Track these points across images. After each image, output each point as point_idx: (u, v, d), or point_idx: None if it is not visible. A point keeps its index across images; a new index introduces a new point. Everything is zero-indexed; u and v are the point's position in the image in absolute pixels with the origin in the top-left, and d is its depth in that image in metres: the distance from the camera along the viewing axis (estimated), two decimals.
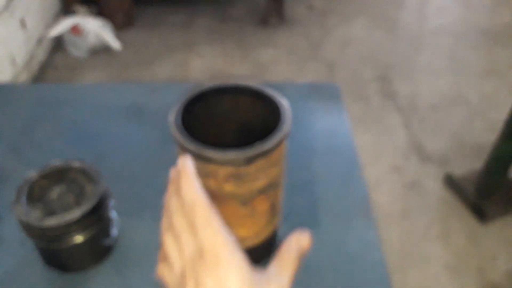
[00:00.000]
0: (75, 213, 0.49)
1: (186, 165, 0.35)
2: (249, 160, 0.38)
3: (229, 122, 0.48)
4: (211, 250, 0.31)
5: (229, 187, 0.40)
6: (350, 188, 0.66)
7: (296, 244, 0.35)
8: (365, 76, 2.26)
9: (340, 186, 0.66)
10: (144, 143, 0.75)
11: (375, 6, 2.91)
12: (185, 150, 0.38)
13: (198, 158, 0.38)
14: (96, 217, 0.51)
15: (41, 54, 2.32)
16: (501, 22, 2.70)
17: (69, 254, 0.52)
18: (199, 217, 0.32)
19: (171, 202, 0.35)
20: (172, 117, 0.41)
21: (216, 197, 0.39)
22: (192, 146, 0.38)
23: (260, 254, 0.53)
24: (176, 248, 0.33)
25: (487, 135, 1.84)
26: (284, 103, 0.43)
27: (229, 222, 0.41)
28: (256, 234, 0.47)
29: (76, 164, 0.55)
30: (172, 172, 0.37)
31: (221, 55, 2.42)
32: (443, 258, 1.41)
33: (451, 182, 1.60)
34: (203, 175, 0.38)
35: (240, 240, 0.43)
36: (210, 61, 2.37)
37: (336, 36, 2.59)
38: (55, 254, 0.52)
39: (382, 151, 1.80)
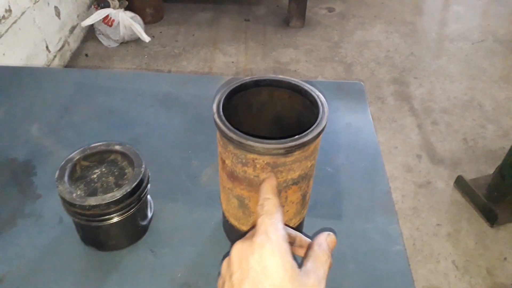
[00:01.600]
0: (115, 194, 0.49)
1: (270, 174, 0.41)
2: (288, 151, 0.39)
3: (265, 114, 0.50)
4: (263, 233, 0.34)
5: (265, 176, 0.41)
6: (372, 183, 0.67)
7: (325, 242, 0.38)
8: (381, 78, 2.33)
9: (363, 181, 0.68)
10: (176, 131, 0.76)
11: (394, 11, 2.96)
12: (226, 138, 0.40)
13: (239, 146, 0.39)
14: (135, 198, 0.51)
15: (73, 42, 2.43)
16: None
17: (106, 233, 0.53)
18: (266, 208, 0.37)
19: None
20: (215, 106, 0.42)
21: (251, 185, 0.42)
22: (234, 135, 0.39)
23: None
24: None
25: (499, 141, 1.91)
26: (321, 98, 0.44)
27: None
28: (285, 223, 0.49)
29: (116, 146, 0.55)
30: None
31: (244, 53, 2.51)
32: (452, 257, 1.46)
33: (462, 185, 1.66)
34: (242, 163, 0.41)
35: None
36: (233, 58, 2.45)
37: (355, 38, 2.66)
38: (93, 232, 0.53)
39: (395, 150, 1.88)
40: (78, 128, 0.76)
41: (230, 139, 0.40)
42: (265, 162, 0.40)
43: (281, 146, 0.39)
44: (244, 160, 0.41)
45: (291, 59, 2.45)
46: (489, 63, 2.44)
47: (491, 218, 1.54)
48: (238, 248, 0.35)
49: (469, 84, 2.28)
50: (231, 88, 0.45)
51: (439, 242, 1.51)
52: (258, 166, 0.41)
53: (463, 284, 1.39)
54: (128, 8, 2.49)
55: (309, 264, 0.36)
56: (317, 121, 0.41)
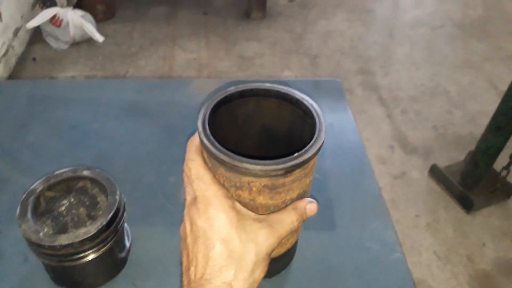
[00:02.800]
0: (90, 229, 0.44)
1: (196, 135, 0.41)
2: (288, 171, 0.36)
3: (252, 125, 0.46)
4: (203, 197, 0.36)
5: (262, 199, 0.38)
6: (363, 187, 0.65)
7: (303, 208, 0.39)
8: (347, 69, 2.30)
9: (353, 185, 0.65)
10: (147, 144, 0.70)
11: None
12: (217, 161, 0.36)
13: (233, 169, 0.35)
14: (112, 231, 0.47)
15: (18, 46, 2.25)
16: (475, 15, 2.79)
17: (82, 272, 0.48)
18: (194, 171, 0.38)
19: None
20: (200, 124, 0.38)
21: (247, 209, 0.38)
22: (226, 157, 0.35)
23: (282, 263, 0.52)
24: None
25: (467, 127, 1.93)
26: (316, 107, 0.40)
27: None
28: (282, 244, 0.45)
29: (85, 172, 0.50)
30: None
31: (205, 48, 2.41)
32: (433, 247, 1.46)
33: (436, 173, 1.67)
34: (236, 186, 0.37)
35: None
36: (194, 55, 2.35)
37: (318, 28, 2.62)
38: (66, 272, 0.48)
39: (368, 143, 1.86)
40: (35, 149, 0.68)
41: (221, 162, 0.35)
42: (263, 184, 0.36)
43: (281, 166, 0.35)
44: (238, 184, 0.37)
45: (255, 53, 2.38)
46: (450, 48, 2.47)
47: (467, 205, 1.55)
48: (187, 216, 0.38)
49: (433, 70, 2.30)
50: (214, 101, 0.40)
51: (419, 233, 1.51)
52: (254, 189, 0.37)
53: (446, 274, 1.39)
54: (77, 6, 2.33)
55: (271, 216, 0.38)
56: (316, 135, 0.38)
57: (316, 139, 0.37)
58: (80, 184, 0.50)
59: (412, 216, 1.55)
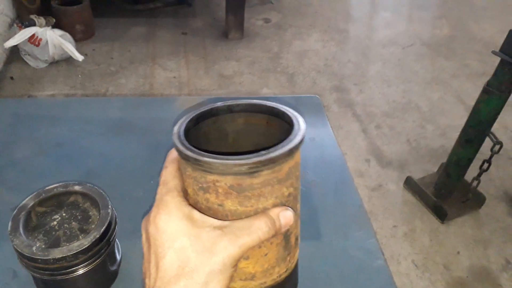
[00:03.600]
0: (83, 243, 0.45)
1: (172, 150, 0.40)
2: (253, 170, 0.33)
3: (242, 144, 0.44)
4: (159, 201, 0.35)
5: (231, 204, 0.35)
6: (344, 198, 0.68)
7: (275, 214, 0.35)
8: (323, 86, 2.37)
9: (335, 196, 0.68)
10: (134, 159, 0.71)
11: (328, 19, 3.05)
12: (183, 157, 0.35)
13: (196, 166, 0.35)
14: (105, 244, 0.47)
15: None
16: (441, 35, 2.93)
17: (74, 285, 0.48)
18: (162, 177, 0.37)
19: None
20: (176, 127, 0.37)
21: (217, 217, 0.36)
22: (190, 152, 0.34)
23: None
24: None
25: (439, 140, 2.01)
26: (298, 117, 0.39)
27: None
28: (266, 271, 0.39)
29: (76, 187, 0.50)
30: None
31: (185, 67, 2.44)
32: (411, 256, 1.51)
33: (411, 185, 1.73)
34: (203, 188, 0.36)
35: (248, 279, 0.39)
36: (174, 73, 2.38)
37: (294, 48, 2.70)
38: (58, 285, 0.48)
39: (345, 157, 1.91)
40: (22, 167, 0.68)
41: (186, 158, 0.35)
42: (228, 184, 0.34)
43: (243, 162, 0.33)
44: (204, 185, 0.35)
45: (234, 72, 2.43)
46: (420, 66, 2.58)
47: (441, 215, 1.61)
48: (143, 221, 0.36)
49: (405, 87, 2.39)
50: (198, 112, 0.40)
51: (397, 243, 1.55)
52: (220, 190, 0.35)
53: (424, 282, 1.44)
54: (56, 26, 2.33)
55: (237, 222, 0.34)
56: (290, 137, 0.35)
57: (288, 140, 0.35)
58: (72, 198, 0.51)
59: (390, 227, 1.60)
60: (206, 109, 0.40)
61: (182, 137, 0.36)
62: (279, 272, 0.40)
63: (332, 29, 2.93)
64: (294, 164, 0.37)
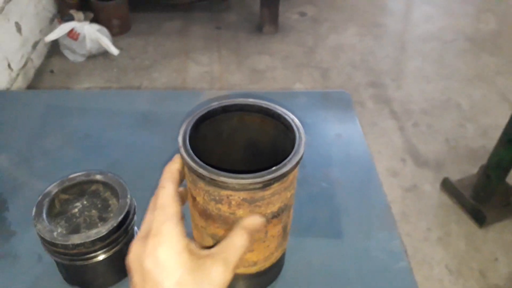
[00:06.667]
0: (101, 230, 0.46)
1: (176, 157, 0.39)
2: (266, 185, 0.36)
3: (236, 140, 0.46)
4: (156, 230, 0.33)
5: (242, 213, 0.38)
6: (370, 197, 0.66)
7: (249, 225, 0.36)
8: (358, 82, 2.31)
9: (360, 195, 0.66)
10: (158, 152, 0.71)
11: (365, 13, 2.97)
12: (196, 175, 0.36)
13: (211, 183, 0.36)
14: (122, 232, 0.48)
15: (36, 59, 2.31)
16: (486, 29, 2.79)
17: (92, 271, 0.50)
18: (159, 200, 0.35)
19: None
20: (180, 139, 0.38)
21: (227, 223, 0.39)
22: (205, 171, 0.35)
23: (269, 277, 0.51)
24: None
25: (480, 140, 1.92)
26: (296, 122, 0.41)
27: None
28: (266, 258, 0.45)
29: (97, 176, 0.52)
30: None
31: (217, 62, 2.45)
32: (445, 261, 1.45)
33: (448, 187, 1.65)
34: (216, 200, 0.37)
35: (250, 265, 0.44)
36: (206, 68, 2.39)
37: (329, 42, 2.65)
38: (78, 271, 0.50)
39: (379, 155, 1.85)
40: (51, 156, 0.70)
41: (200, 176, 0.36)
42: (241, 198, 0.37)
43: (258, 180, 0.35)
44: (217, 198, 0.37)
45: (267, 66, 2.41)
46: (462, 62, 2.47)
47: (480, 219, 1.54)
48: (134, 250, 0.34)
49: (445, 84, 2.29)
50: (197, 116, 0.41)
51: (430, 246, 1.49)
52: (233, 202, 0.37)
53: None
54: (93, 20, 2.39)
55: (219, 247, 0.35)
56: (294, 149, 0.38)
57: (294, 153, 0.37)
58: (93, 187, 0.52)
59: (423, 229, 1.54)
60: (203, 112, 0.42)
61: (191, 152, 0.37)
62: (277, 256, 0.47)
63: (370, 23, 2.85)
64: (296, 171, 0.40)
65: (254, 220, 0.37)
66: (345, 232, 0.60)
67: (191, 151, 0.37)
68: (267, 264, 0.47)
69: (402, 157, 1.84)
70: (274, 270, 0.51)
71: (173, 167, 0.38)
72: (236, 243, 0.35)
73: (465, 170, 1.74)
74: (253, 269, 0.46)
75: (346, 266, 0.56)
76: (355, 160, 0.73)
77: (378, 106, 2.14)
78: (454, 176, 1.68)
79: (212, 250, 0.35)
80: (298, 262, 0.55)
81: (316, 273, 0.55)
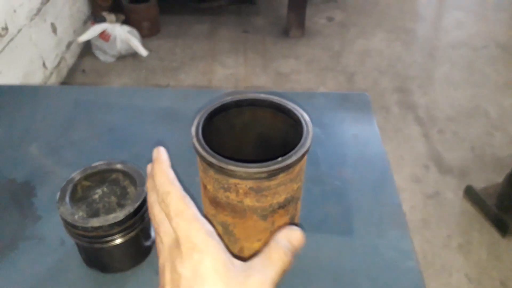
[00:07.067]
0: (118, 215, 0.49)
1: (160, 157, 0.36)
2: (271, 175, 0.37)
3: (248, 134, 0.48)
4: (186, 238, 0.31)
5: (249, 201, 0.39)
6: (382, 197, 0.66)
7: (285, 239, 0.34)
8: (384, 87, 2.30)
9: (373, 194, 0.66)
10: (178, 146, 0.72)
11: (394, 18, 2.95)
12: (206, 163, 0.38)
13: (220, 171, 0.38)
14: (138, 219, 0.50)
15: (69, 58, 2.40)
16: None
17: (109, 255, 0.52)
18: (173, 207, 0.32)
19: (151, 195, 0.36)
20: (193, 129, 0.40)
21: (235, 211, 0.40)
22: (214, 159, 0.37)
23: None
24: (159, 239, 0.35)
25: (507, 149, 1.88)
26: (305, 117, 0.42)
27: (248, 236, 0.44)
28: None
29: (118, 165, 0.54)
30: (148, 167, 0.39)
31: (243, 65, 2.48)
32: (464, 269, 1.42)
33: (472, 195, 1.62)
34: (224, 188, 0.39)
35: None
36: (232, 71, 2.43)
37: (356, 47, 2.64)
38: (96, 254, 0.52)
39: (402, 161, 1.84)
40: (77, 147, 0.74)
41: (210, 164, 0.38)
42: (248, 186, 0.38)
43: (264, 169, 0.37)
44: (226, 186, 0.39)
45: (292, 70, 2.43)
46: (492, 69, 2.42)
47: (503, 228, 1.50)
48: (166, 257, 0.33)
49: (473, 91, 2.25)
50: (210, 109, 0.43)
51: (450, 254, 1.47)
52: (241, 191, 0.39)
53: None
54: (125, 22, 2.47)
55: (256, 260, 0.33)
56: (301, 142, 0.39)
57: (300, 146, 0.39)
58: (113, 176, 0.55)
59: (444, 236, 1.52)
60: (216, 106, 0.44)
61: (203, 142, 0.39)
62: None
63: (399, 28, 2.83)
64: (303, 163, 0.41)
65: (286, 233, 0.35)
66: (355, 230, 0.61)
67: (203, 141, 0.39)
68: None
69: (425, 164, 1.82)
70: None
71: (164, 167, 0.36)
72: (273, 258, 0.33)
73: (490, 178, 1.70)
74: None
75: (354, 262, 0.57)
76: (370, 160, 0.73)
77: (403, 112, 2.12)
78: (479, 184, 1.64)
79: (250, 264, 0.32)
80: (307, 257, 0.55)
81: (324, 268, 0.56)
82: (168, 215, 0.33)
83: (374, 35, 2.76)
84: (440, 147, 1.90)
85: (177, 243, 0.32)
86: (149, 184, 0.38)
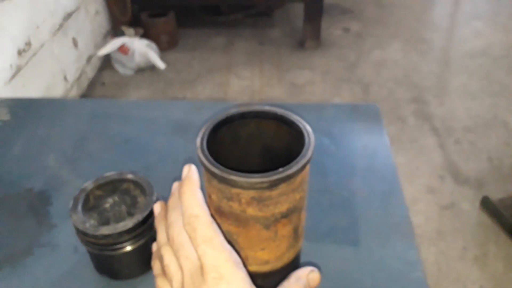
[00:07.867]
0: (127, 223, 0.50)
1: (191, 176, 0.35)
2: (272, 185, 0.38)
3: (253, 145, 0.49)
4: (213, 267, 0.30)
5: (252, 211, 0.40)
6: (390, 208, 0.66)
7: (305, 278, 0.36)
8: (400, 97, 2.29)
9: (381, 205, 0.66)
10: (189, 157, 0.74)
11: (411, 28, 2.94)
12: (210, 173, 0.39)
13: (223, 181, 0.39)
14: (147, 227, 0.52)
15: (90, 71, 2.47)
16: None
17: (120, 262, 0.54)
18: (201, 232, 0.32)
19: (172, 214, 0.35)
20: (198, 140, 0.41)
21: (239, 220, 0.41)
22: (217, 169, 0.38)
23: (281, 278, 0.53)
24: (175, 262, 0.33)
25: None
26: (307, 128, 0.43)
27: (252, 245, 0.44)
28: (278, 257, 0.47)
29: (129, 175, 0.56)
30: (175, 184, 0.38)
31: (259, 76, 2.51)
32: (480, 282, 1.40)
33: (488, 206, 1.60)
34: (227, 197, 0.40)
35: (262, 264, 0.46)
36: (248, 82, 2.46)
37: (372, 58, 2.64)
38: (106, 261, 0.54)
39: (418, 172, 1.82)
40: (93, 158, 0.77)
41: (213, 174, 0.39)
42: (250, 196, 0.39)
43: (265, 180, 0.38)
44: (229, 195, 0.40)
45: (307, 81, 2.44)
46: (511, 79, 2.38)
47: None
48: (188, 283, 0.31)
49: (491, 101, 2.22)
50: (215, 121, 0.44)
51: (465, 266, 1.45)
52: (243, 200, 0.39)
53: None
54: (143, 36, 2.53)
55: None
56: (302, 153, 0.40)
57: (301, 156, 0.40)
58: (125, 185, 0.57)
59: (459, 248, 1.50)
60: (221, 118, 0.45)
61: (207, 153, 0.40)
62: (289, 257, 0.48)
63: (415, 38, 2.82)
64: (305, 173, 0.42)
65: (308, 273, 0.37)
66: (362, 240, 0.61)
67: (207, 152, 0.40)
68: (280, 264, 0.48)
69: (441, 174, 1.80)
70: (288, 270, 0.52)
71: (194, 188, 0.35)
72: None
73: (507, 190, 1.67)
74: (265, 268, 0.48)
75: (360, 272, 0.57)
76: (379, 171, 0.73)
77: (419, 122, 2.11)
78: (495, 195, 1.62)
79: None
80: (313, 266, 0.57)
81: (330, 278, 0.56)
82: (193, 240, 0.32)
83: (390, 45, 2.76)
84: (456, 158, 1.88)
85: (201, 270, 0.31)
86: (171, 203, 0.36)
